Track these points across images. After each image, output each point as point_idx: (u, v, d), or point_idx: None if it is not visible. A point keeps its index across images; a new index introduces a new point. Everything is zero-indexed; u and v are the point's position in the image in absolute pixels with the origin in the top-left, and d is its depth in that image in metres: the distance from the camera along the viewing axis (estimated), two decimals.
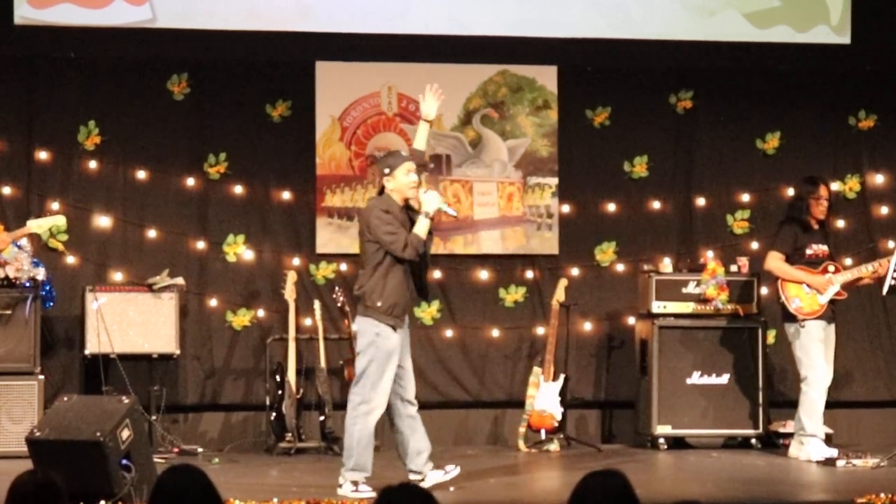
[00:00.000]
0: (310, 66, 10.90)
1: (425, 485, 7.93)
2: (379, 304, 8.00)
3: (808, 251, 9.86)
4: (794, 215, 9.94)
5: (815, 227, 9.93)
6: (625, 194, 11.21)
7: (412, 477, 8.17)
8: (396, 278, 8.03)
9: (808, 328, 9.73)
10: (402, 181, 8.08)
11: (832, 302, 9.84)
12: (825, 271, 9.82)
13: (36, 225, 9.49)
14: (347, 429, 8.12)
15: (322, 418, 10.22)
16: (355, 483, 8.06)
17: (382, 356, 8.01)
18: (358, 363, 8.10)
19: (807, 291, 9.79)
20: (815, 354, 9.72)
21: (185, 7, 10.71)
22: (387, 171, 8.10)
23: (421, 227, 8.00)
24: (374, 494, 7.61)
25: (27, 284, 9.85)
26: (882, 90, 11.35)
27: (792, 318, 9.79)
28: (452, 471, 8.27)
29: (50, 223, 9.55)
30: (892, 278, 9.56)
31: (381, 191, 8.17)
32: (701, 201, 11.27)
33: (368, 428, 8.08)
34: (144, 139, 10.73)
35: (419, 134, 8.37)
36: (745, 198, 11.25)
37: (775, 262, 9.87)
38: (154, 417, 10.00)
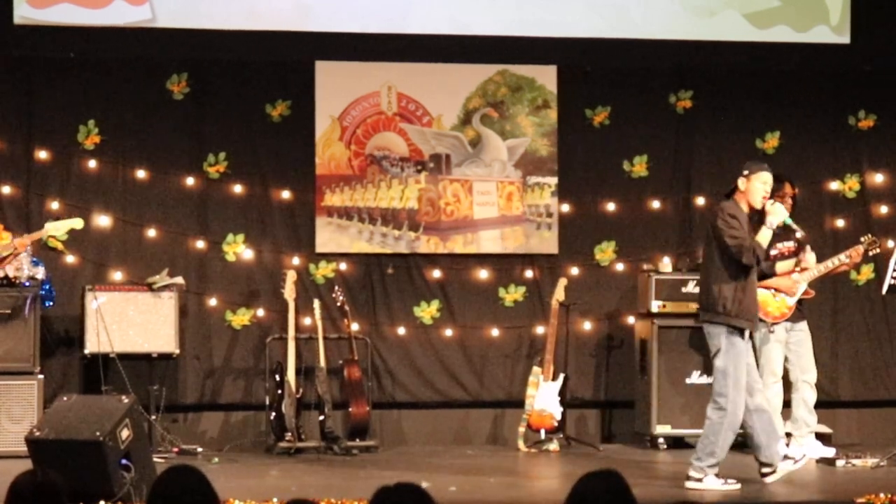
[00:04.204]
0: (310, 66, 10.90)
1: (775, 477, 8.42)
2: (727, 307, 8.28)
3: (773, 251, 9.86)
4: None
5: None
6: (624, 194, 11.21)
7: (763, 469, 8.49)
8: (743, 282, 8.32)
9: (774, 331, 9.78)
10: (755, 186, 8.41)
11: (799, 301, 9.88)
12: (791, 271, 9.85)
13: (53, 227, 9.50)
14: (712, 426, 8.39)
15: (322, 418, 10.21)
16: (720, 477, 8.38)
17: (733, 355, 8.30)
18: (716, 364, 8.36)
19: (773, 295, 9.81)
20: (772, 356, 9.75)
21: (185, 7, 10.71)
22: (746, 172, 8.43)
23: (763, 237, 8.39)
24: (739, 486, 8.30)
25: (27, 284, 9.85)
26: (882, 90, 11.35)
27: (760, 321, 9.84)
28: (801, 459, 8.62)
29: (68, 226, 9.56)
30: (892, 278, 9.57)
31: (731, 192, 8.44)
32: (700, 201, 11.27)
33: (735, 424, 8.40)
34: (144, 139, 10.73)
35: (762, 236, 8.47)
36: None
37: None
38: (154, 417, 9.99)
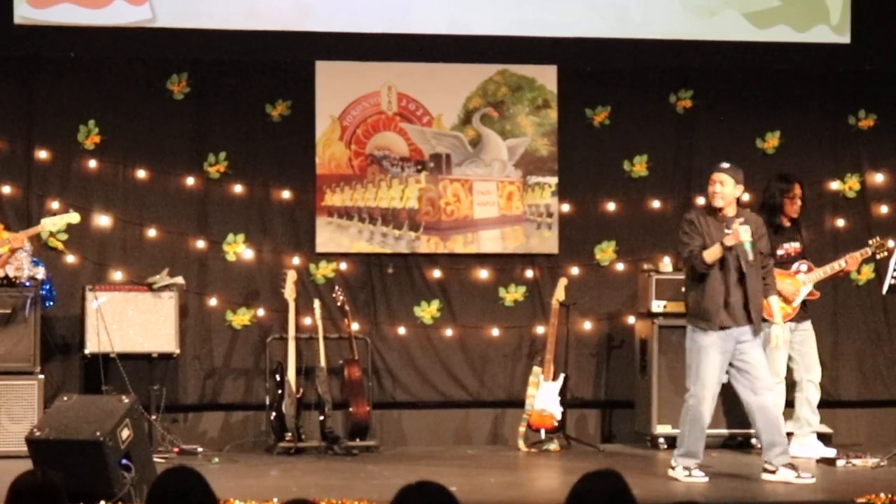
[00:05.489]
0: (310, 66, 10.90)
1: (773, 478, 8.60)
2: (689, 307, 8.77)
3: (779, 252, 9.84)
4: (763, 217, 9.93)
5: (787, 224, 9.96)
6: (624, 193, 11.22)
7: (766, 466, 8.69)
8: (702, 284, 8.62)
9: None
10: (707, 190, 8.91)
11: (803, 302, 9.87)
12: (797, 272, 9.84)
13: (51, 223, 9.50)
14: (681, 419, 8.85)
15: (322, 418, 10.21)
16: (688, 469, 8.73)
17: (695, 351, 8.68)
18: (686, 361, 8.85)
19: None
20: (776, 356, 9.76)
21: (185, 7, 10.71)
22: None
23: (710, 252, 8.60)
24: (706, 479, 8.61)
25: (27, 284, 9.86)
26: (882, 90, 11.35)
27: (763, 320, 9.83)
28: (807, 478, 8.62)
29: (64, 220, 9.56)
30: (893, 278, 9.57)
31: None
32: (701, 201, 11.24)
33: (697, 418, 8.66)
34: (144, 139, 10.73)
35: (710, 252, 8.65)
36: (745, 197, 11.21)
37: None
38: (154, 417, 10.00)
